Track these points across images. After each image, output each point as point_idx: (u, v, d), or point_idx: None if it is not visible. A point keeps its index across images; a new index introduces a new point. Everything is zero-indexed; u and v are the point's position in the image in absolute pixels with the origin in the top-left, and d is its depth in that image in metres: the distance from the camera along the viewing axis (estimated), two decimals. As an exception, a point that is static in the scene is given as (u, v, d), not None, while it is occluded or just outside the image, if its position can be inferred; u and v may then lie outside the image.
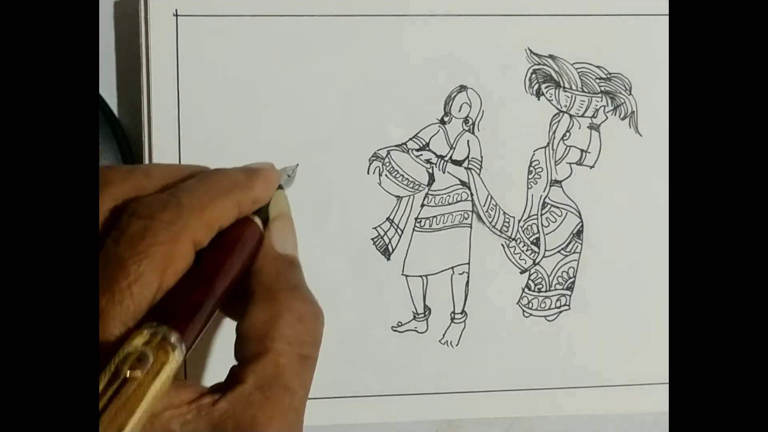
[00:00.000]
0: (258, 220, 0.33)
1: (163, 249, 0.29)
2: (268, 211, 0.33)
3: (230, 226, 0.32)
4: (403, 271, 0.43)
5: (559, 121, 0.43)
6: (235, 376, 0.30)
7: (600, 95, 0.43)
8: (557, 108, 0.43)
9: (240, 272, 0.31)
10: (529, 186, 0.43)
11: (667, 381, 0.40)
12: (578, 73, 0.43)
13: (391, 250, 0.43)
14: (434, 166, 0.43)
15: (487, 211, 0.43)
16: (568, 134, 0.43)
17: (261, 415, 0.29)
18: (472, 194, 0.43)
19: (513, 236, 0.43)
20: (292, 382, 0.30)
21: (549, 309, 0.44)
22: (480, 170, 0.43)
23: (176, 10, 0.41)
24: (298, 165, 0.37)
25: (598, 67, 0.43)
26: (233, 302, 0.32)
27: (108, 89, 0.42)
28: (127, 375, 0.26)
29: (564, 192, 0.43)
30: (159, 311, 0.28)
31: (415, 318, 0.43)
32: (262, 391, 0.30)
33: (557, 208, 0.43)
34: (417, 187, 0.43)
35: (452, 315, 0.43)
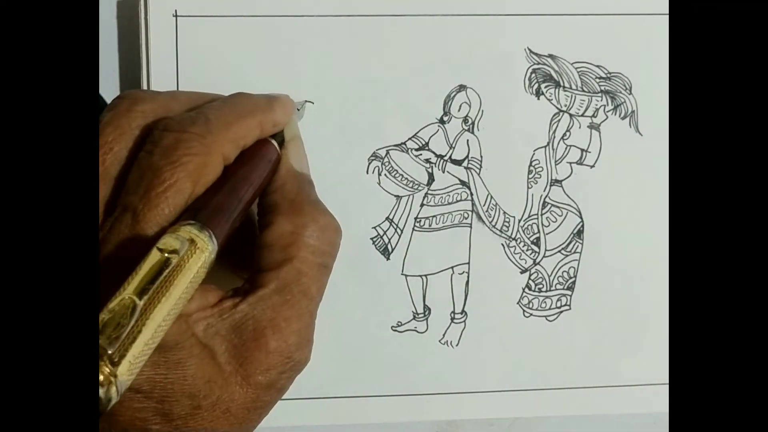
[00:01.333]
0: (274, 143, 0.35)
1: (196, 159, 0.31)
2: (283, 135, 0.36)
3: (252, 145, 0.34)
4: (402, 271, 0.43)
5: (559, 120, 0.43)
6: (255, 281, 0.32)
7: (600, 95, 0.43)
8: (557, 107, 0.43)
9: (261, 186, 0.34)
10: (529, 185, 0.43)
11: (668, 381, 0.40)
12: (578, 72, 0.43)
13: (390, 249, 0.42)
14: (434, 165, 0.43)
15: (487, 211, 0.43)
16: (568, 134, 0.43)
17: (279, 317, 0.32)
18: (471, 194, 0.43)
19: (513, 236, 0.43)
20: (310, 288, 0.33)
21: (549, 309, 0.43)
22: (480, 170, 0.43)
23: (176, 11, 0.41)
24: (306, 101, 0.40)
25: (597, 66, 0.43)
26: (241, 256, 0.34)
27: (110, 88, 0.42)
28: (167, 255, 0.27)
29: (564, 191, 0.43)
30: (191, 212, 0.30)
31: (414, 318, 0.43)
32: (281, 295, 0.32)
33: (557, 207, 0.43)
34: (416, 186, 0.43)
35: (452, 315, 0.43)
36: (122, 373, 0.25)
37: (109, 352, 0.25)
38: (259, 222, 0.34)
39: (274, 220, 0.33)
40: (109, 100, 0.42)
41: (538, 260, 0.43)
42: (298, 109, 0.38)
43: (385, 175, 0.42)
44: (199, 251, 0.28)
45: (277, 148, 0.35)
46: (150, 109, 0.33)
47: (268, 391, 0.32)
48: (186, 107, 0.34)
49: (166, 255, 0.27)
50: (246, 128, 0.34)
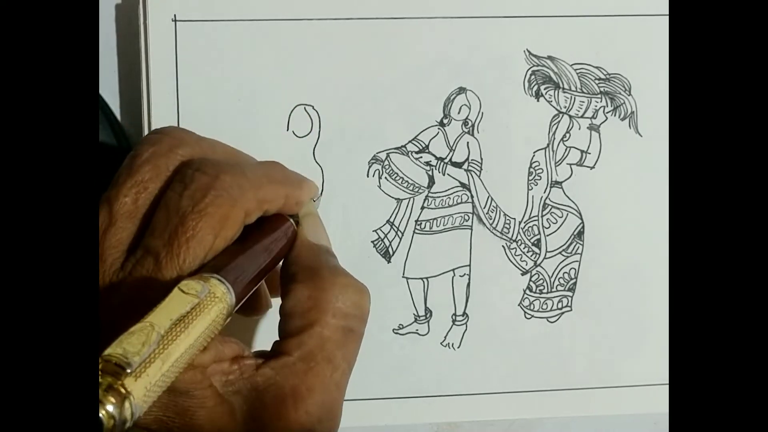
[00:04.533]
0: (292, 221, 0.35)
1: (221, 211, 0.31)
2: (298, 216, 0.36)
3: (271, 218, 0.34)
4: (403, 274, 0.43)
5: (558, 122, 0.43)
6: (278, 348, 0.31)
7: (599, 96, 0.43)
8: (557, 109, 0.43)
9: (278, 257, 0.34)
10: (530, 187, 0.43)
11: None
12: (577, 74, 0.43)
13: (391, 252, 0.42)
14: (434, 168, 0.43)
15: (487, 213, 0.43)
16: (567, 135, 0.43)
17: (302, 385, 0.30)
18: (472, 196, 0.43)
19: (514, 238, 0.43)
20: (335, 355, 0.31)
21: (551, 310, 0.43)
22: (480, 172, 0.43)
23: (175, 16, 0.41)
24: (322, 194, 0.41)
25: (597, 67, 0.43)
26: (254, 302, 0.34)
27: (110, 91, 0.42)
28: (189, 295, 0.27)
29: (564, 193, 0.43)
30: (210, 268, 0.30)
31: (416, 320, 0.43)
32: (305, 362, 0.31)
33: (558, 209, 0.43)
34: (417, 189, 0.43)
35: (453, 317, 0.43)
36: (138, 397, 0.25)
37: (127, 371, 0.25)
38: (281, 295, 0.33)
39: (292, 288, 0.32)
40: (110, 101, 0.42)
41: (539, 262, 0.43)
42: (315, 200, 0.38)
43: (386, 178, 0.42)
44: (218, 300, 0.28)
45: (294, 224, 0.35)
46: (190, 155, 0.33)
47: None
48: (223, 158, 0.34)
49: (188, 295, 0.27)
50: (273, 194, 0.33)
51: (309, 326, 0.31)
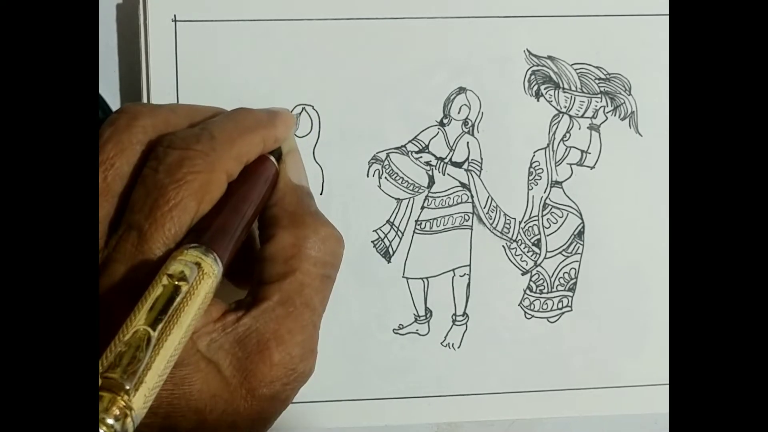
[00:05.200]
0: (272, 158, 0.35)
1: (201, 177, 0.31)
2: (281, 149, 0.36)
3: (251, 162, 0.34)
4: (403, 274, 0.43)
5: (558, 122, 0.43)
6: (258, 294, 0.32)
7: (599, 96, 0.43)
8: (557, 109, 0.43)
9: (262, 203, 0.34)
10: (530, 187, 0.43)
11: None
12: (577, 73, 0.43)
13: (391, 252, 0.42)
14: (434, 168, 0.43)
15: (487, 213, 0.43)
16: (568, 135, 0.43)
17: (283, 329, 0.32)
18: (472, 196, 0.43)
19: (514, 238, 0.43)
20: (313, 300, 0.33)
21: (551, 310, 0.43)
22: (480, 172, 0.43)
23: (174, 16, 0.41)
24: (303, 109, 0.41)
25: (597, 67, 0.43)
26: (242, 270, 0.34)
27: (110, 91, 0.42)
28: (177, 283, 0.27)
29: (565, 193, 0.43)
30: (196, 234, 0.30)
31: (416, 320, 0.43)
32: (284, 307, 0.32)
33: (558, 209, 0.43)
34: (417, 189, 0.43)
35: (454, 317, 0.43)
36: (138, 406, 0.25)
37: (127, 387, 0.25)
38: (260, 236, 0.34)
39: (276, 233, 0.33)
40: (109, 102, 0.42)
41: (539, 262, 0.43)
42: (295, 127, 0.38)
43: (386, 178, 0.42)
44: (206, 276, 0.28)
45: (276, 163, 0.35)
46: (150, 124, 0.33)
47: (272, 402, 0.32)
48: (186, 120, 0.34)
49: (176, 282, 0.27)
50: (249, 144, 0.34)
51: (290, 273, 0.32)
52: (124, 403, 0.25)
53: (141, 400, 0.25)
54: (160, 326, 0.26)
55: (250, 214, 0.33)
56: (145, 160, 0.32)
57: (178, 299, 0.27)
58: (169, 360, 0.27)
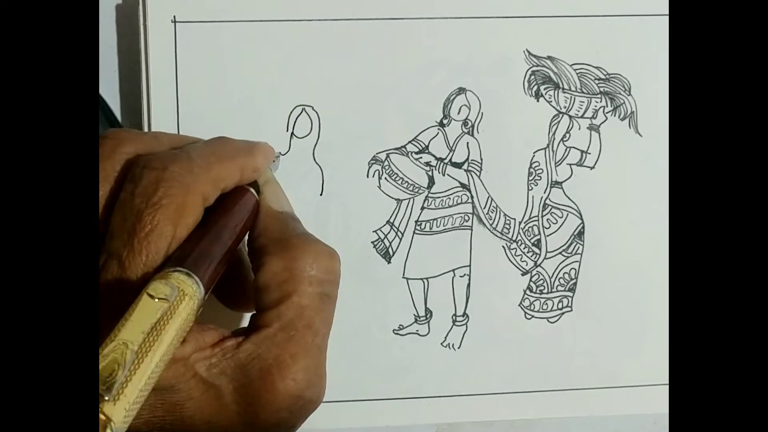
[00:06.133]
0: (252, 190, 0.35)
1: (176, 200, 0.31)
2: (257, 182, 0.36)
3: (230, 192, 0.34)
4: (404, 274, 0.43)
5: (558, 122, 0.43)
6: (257, 322, 0.32)
7: (599, 96, 0.43)
8: (556, 109, 0.43)
9: (243, 232, 0.34)
10: (530, 187, 0.43)
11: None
12: (577, 74, 0.43)
13: (391, 253, 0.42)
14: (434, 168, 0.43)
15: (487, 213, 0.43)
16: (567, 135, 0.43)
17: (285, 354, 0.31)
18: (472, 196, 0.43)
19: (514, 238, 0.43)
20: (314, 321, 0.32)
21: (551, 311, 0.43)
22: (480, 172, 0.43)
23: (174, 17, 0.41)
24: (280, 154, 0.40)
25: (596, 67, 0.43)
26: (236, 294, 0.34)
27: (110, 91, 0.42)
28: (157, 301, 0.27)
29: (564, 193, 0.43)
30: (177, 260, 0.30)
31: (416, 321, 0.43)
32: (285, 332, 0.31)
33: (558, 209, 0.43)
34: (417, 189, 0.43)
35: (454, 318, 0.43)
36: (118, 420, 0.25)
37: (106, 398, 0.25)
38: (253, 269, 0.34)
39: (265, 261, 0.32)
40: (110, 102, 0.42)
41: (539, 262, 0.43)
42: (273, 160, 0.38)
43: (386, 178, 0.42)
44: (188, 298, 0.28)
45: (255, 194, 0.35)
46: (134, 151, 0.33)
47: (277, 431, 0.31)
48: (168, 148, 0.34)
49: (157, 300, 0.27)
50: (227, 171, 0.33)
51: (286, 297, 0.31)
52: (104, 416, 0.25)
53: (121, 413, 0.25)
54: (140, 340, 0.26)
55: (231, 242, 0.32)
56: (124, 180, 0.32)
57: (158, 316, 0.27)
58: (150, 376, 0.26)
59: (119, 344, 0.26)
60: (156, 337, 0.27)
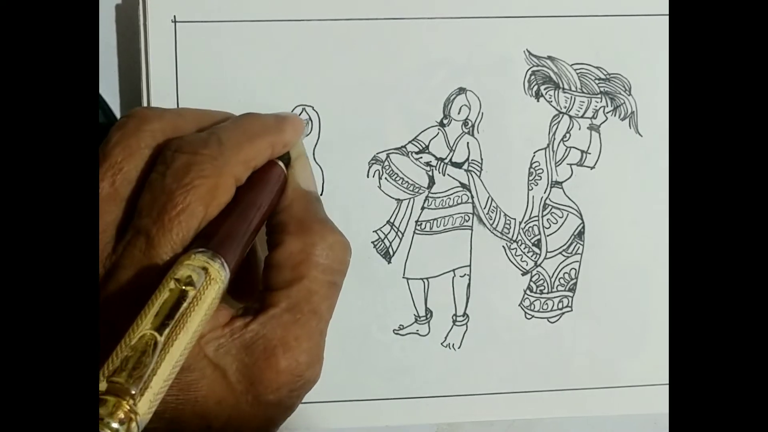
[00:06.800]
0: (281, 163, 0.35)
1: (208, 182, 0.31)
2: (289, 154, 0.36)
3: (259, 167, 0.34)
4: (404, 274, 0.43)
5: (558, 122, 0.43)
6: (265, 300, 0.32)
7: (599, 96, 0.43)
8: (557, 109, 0.43)
9: (270, 209, 0.34)
10: (530, 187, 0.43)
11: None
12: (577, 74, 0.43)
13: (391, 253, 0.42)
14: (434, 168, 0.43)
15: (487, 213, 0.43)
16: (568, 135, 0.43)
17: (290, 335, 0.32)
18: (472, 196, 0.43)
19: (514, 238, 0.43)
20: (320, 307, 0.33)
21: (551, 311, 0.43)
22: (480, 172, 0.43)
23: (174, 17, 0.41)
24: (310, 120, 0.41)
25: (597, 67, 0.43)
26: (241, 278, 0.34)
27: (110, 91, 0.42)
28: (184, 288, 0.27)
29: (565, 193, 0.43)
30: (203, 239, 0.30)
31: (416, 321, 0.43)
32: (292, 314, 0.32)
33: (558, 209, 0.43)
34: (417, 189, 0.43)
35: (454, 318, 0.43)
36: (143, 411, 0.25)
37: (132, 392, 0.25)
38: (268, 242, 0.34)
39: (284, 239, 0.33)
40: (109, 102, 0.42)
41: (539, 262, 0.43)
42: (307, 133, 0.38)
43: (386, 178, 0.42)
44: (213, 282, 0.28)
45: (284, 168, 0.35)
46: (159, 128, 0.33)
47: (278, 409, 0.32)
48: (194, 125, 0.34)
49: (183, 287, 0.27)
50: (257, 150, 0.34)
51: (297, 280, 0.32)
52: (129, 408, 0.25)
53: (146, 405, 0.25)
54: (166, 331, 0.26)
55: (258, 220, 0.33)
56: (153, 164, 0.32)
57: (185, 304, 0.27)
58: (174, 365, 0.27)
59: (146, 335, 0.26)
60: (182, 325, 0.27)
